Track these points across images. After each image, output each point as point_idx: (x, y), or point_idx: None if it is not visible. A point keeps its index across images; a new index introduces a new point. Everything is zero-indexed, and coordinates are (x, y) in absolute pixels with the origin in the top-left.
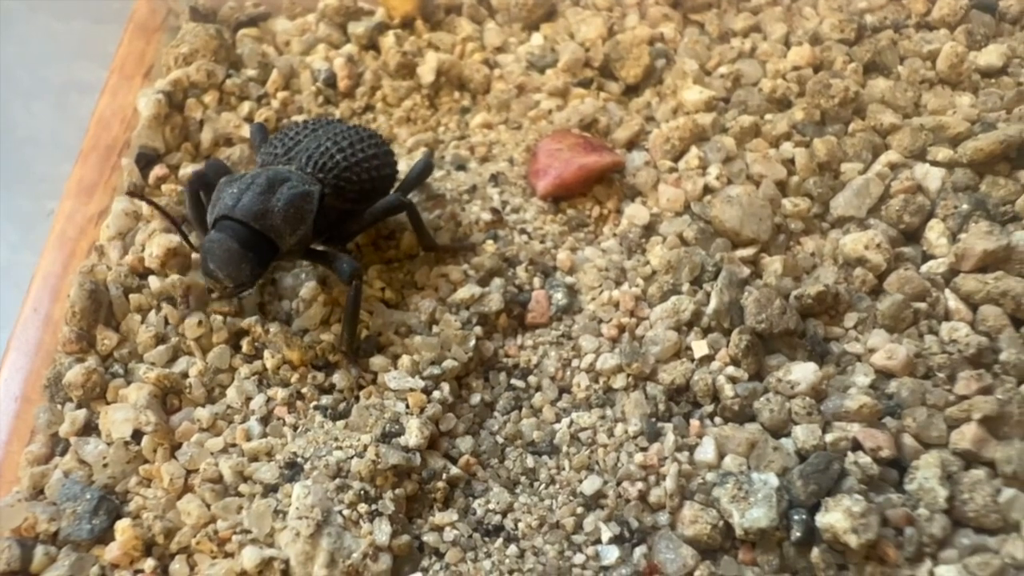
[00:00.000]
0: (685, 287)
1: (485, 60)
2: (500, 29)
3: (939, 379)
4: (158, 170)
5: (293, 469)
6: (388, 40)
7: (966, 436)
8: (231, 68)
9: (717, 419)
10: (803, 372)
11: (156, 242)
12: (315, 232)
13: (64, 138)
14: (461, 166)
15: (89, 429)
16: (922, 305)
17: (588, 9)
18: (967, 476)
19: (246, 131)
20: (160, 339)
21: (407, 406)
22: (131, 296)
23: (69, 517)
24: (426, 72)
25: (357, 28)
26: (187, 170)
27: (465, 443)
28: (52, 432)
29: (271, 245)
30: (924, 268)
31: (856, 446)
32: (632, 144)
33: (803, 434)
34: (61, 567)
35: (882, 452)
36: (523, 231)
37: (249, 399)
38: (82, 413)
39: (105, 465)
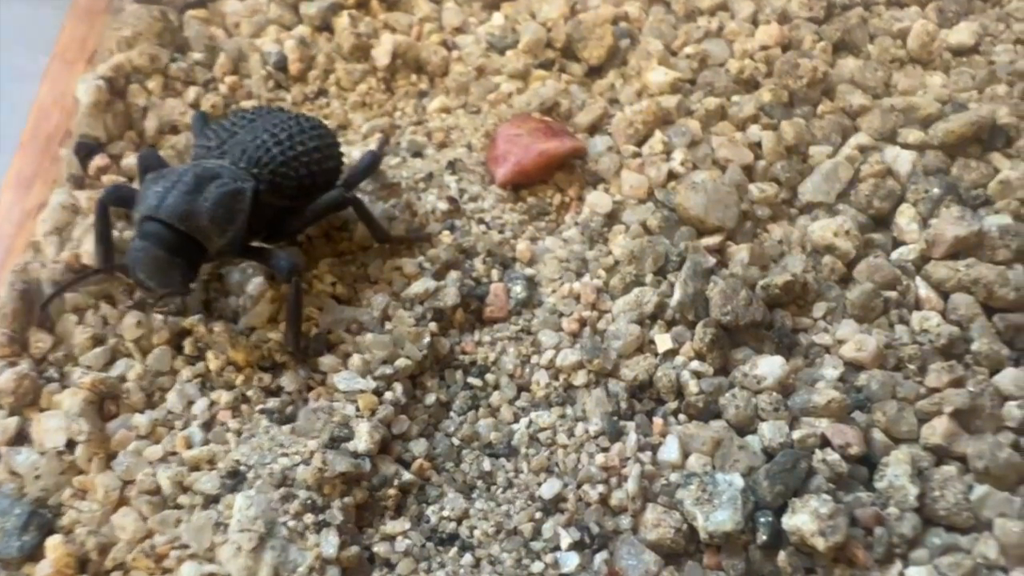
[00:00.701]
0: (648, 278)
1: (443, 41)
2: (459, 9)
3: (910, 371)
4: (99, 160)
5: (236, 478)
6: (342, 21)
7: (937, 431)
8: (177, 52)
9: (681, 416)
10: (770, 366)
11: (93, 238)
12: (251, 231)
13: (0, 128)
14: (417, 153)
15: (21, 438)
16: (892, 294)
17: None
18: (938, 472)
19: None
20: (97, 340)
21: (357, 409)
22: (67, 295)
23: None
24: (381, 54)
25: (310, 9)
26: (130, 160)
27: (419, 446)
28: None
29: (200, 247)
30: (894, 255)
31: (824, 443)
32: (595, 128)
33: (770, 431)
34: None
35: (851, 449)
36: (481, 220)
37: (191, 403)
38: (14, 421)
39: (37, 477)
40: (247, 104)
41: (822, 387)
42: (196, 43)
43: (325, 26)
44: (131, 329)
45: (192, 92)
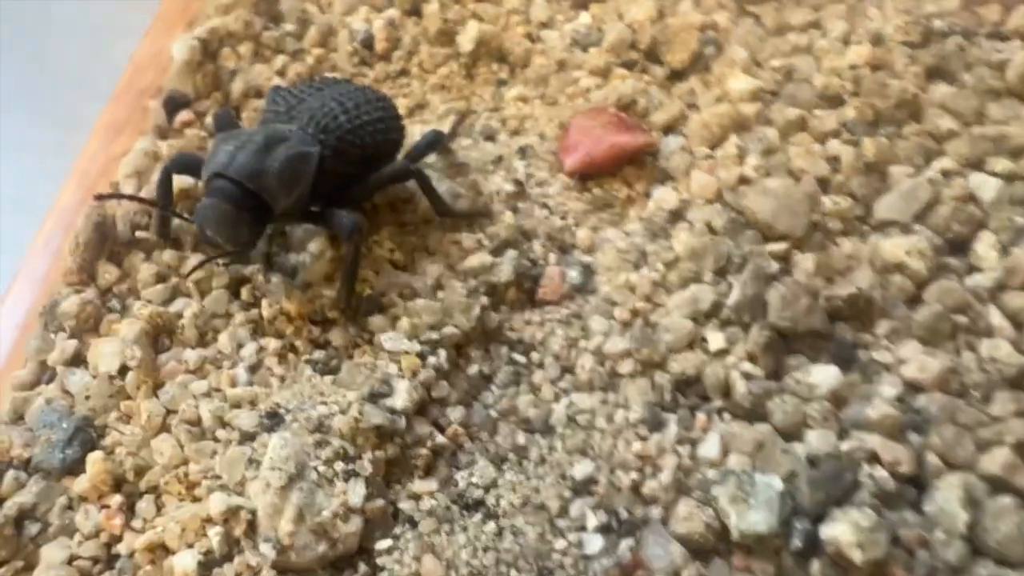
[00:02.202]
0: (707, 276)
1: (528, 34)
2: (548, 5)
3: (973, 398)
4: (184, 115)
5: (273, 419)
6: (432, 6)
7: (996, 460)
8: (270, 21)
9: (726, 415)
10: (824, 375)
11: None
12: (314, 194)
13: (96, 78)
14: (490, 137)
15: (78, 361)
16: (962, 319)
17: None
18: (993, 503)
19: (277, 83)
20: (160, 278)
21: (399, 368)
22: (137, 234)
23: (43, 444)
24: (465, 41)
25: None
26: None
27: (456, 413)
28: (41, 360)
29: (266, 206)
30: (969, 281)
31: (873, 458)
32: (670, 128)
33: (817, 440)
34: (28, 493)
35: (901, 467)
36: (545, 205)
37: (240, 346)
38: (73, 344)
39: (87, 397)
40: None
41: (878, 403)
42: (289, 15)
43: (415, 11)
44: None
45: (280, 60)
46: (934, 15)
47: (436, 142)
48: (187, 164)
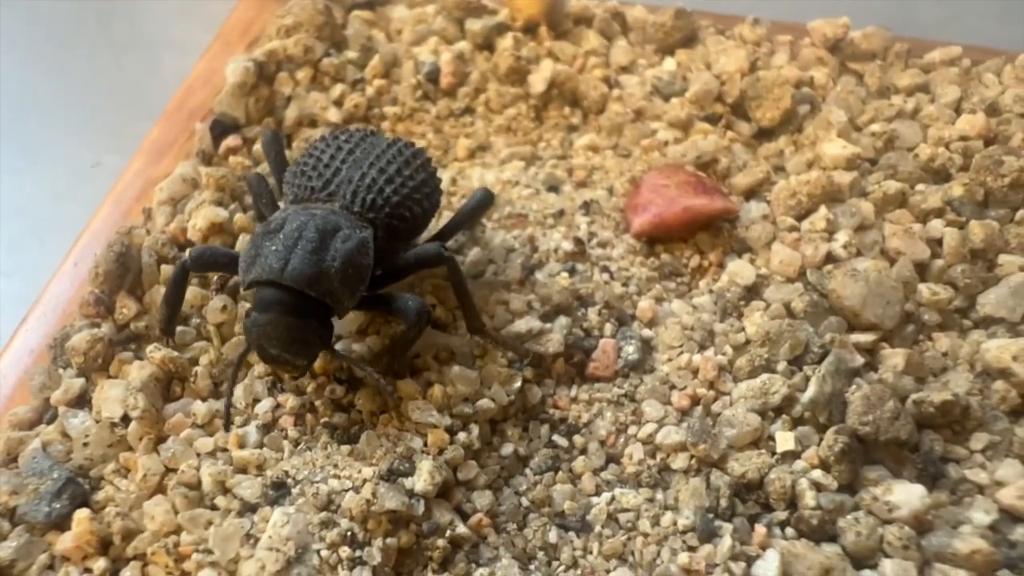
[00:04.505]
0: (781, 366)
1: (606, 78)
2: (630, 48)
3: None
4: (231, 140)
5: (279, 491)
6: (505, 42)
7: None
8: (333, 47)
9: (789, 530)
10: (908, 494)
11: (202, 214)
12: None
13: (146, 97)
14: (553, 187)
15: (82, 402)
16: None
17: (732, 40)
18: None
19: (333, 114)
20: (182, 319)
21: (425, 444)
22: (163, 267)
23: (30, 494)
24: (538, 81)
25: (475, 25)
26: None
27: (483, 499)
28: (44, 397)
29: (328, 310)
30: None
31: None
32: (752, 193)
33: (893, 570)
34: (8, 547)
35: None
36: (606, 269)
37: (256, 401)
38: (79, 382)
39: (85, 444)
40: (327, 134)
41: (967, 532)
42: (353, 42)
43: (487, 45)
44: (215, 313)
45: (338, 89)
46: None
47: (483, 206)
48: (210, 261)
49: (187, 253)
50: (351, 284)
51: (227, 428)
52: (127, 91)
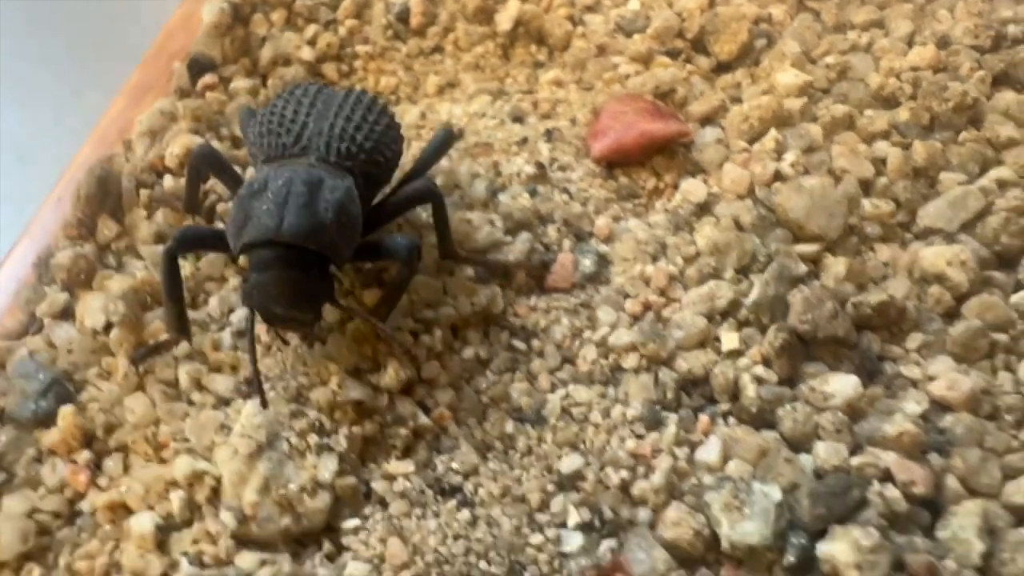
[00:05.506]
0: (728, 274)
1: (570, 16)
2: None
3: (1005, 422)
4: (208, 78)
5: (251, 386)
6: None
7: (1023, 489)
8: None
9: (731, 419)
10: (842, 384)
11: (179, 141)
12: None
13: (127, 40)
14: (519, 119)
15: (66, 314)
16: (1002, 337)
17: None
18: (1013, 534)
19: (306, 52)
20: (160, 238)
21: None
22: (141, 191)
23: (17, 394)
24: (504, 20)
25: None
26: (238, 83)
27: (445, 395)
28: (30, 310)
29: (326, 262)
30: (1014, 298)
31: (886, 477)
32: (707, 120)
33: (826, 451)
34: None
35: (915, 488)
36: (565, 190)
37: (231, 311)
38: (63, 296)
39: (70, 351)
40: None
41: (899, 419)
42: None
43: None
44: None
45: (311, 29)
46: (1009, 20)
47: (445, 145)
48: (196, 240)
49: (170, 240)
50: (347, 233)
51: (264, 404)
52: (108, 35)
